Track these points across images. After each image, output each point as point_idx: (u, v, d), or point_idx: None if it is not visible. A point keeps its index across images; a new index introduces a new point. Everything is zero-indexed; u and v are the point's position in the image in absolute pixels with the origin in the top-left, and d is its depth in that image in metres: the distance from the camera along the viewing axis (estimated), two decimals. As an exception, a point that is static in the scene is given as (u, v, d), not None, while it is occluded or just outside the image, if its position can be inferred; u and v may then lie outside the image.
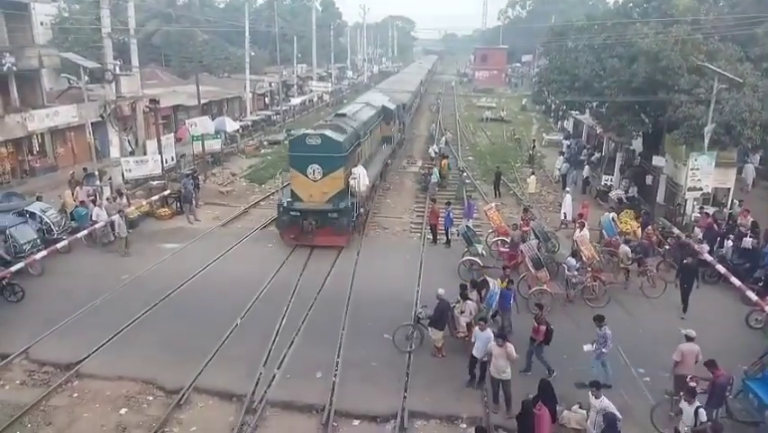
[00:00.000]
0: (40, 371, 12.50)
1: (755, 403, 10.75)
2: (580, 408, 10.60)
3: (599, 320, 11.96)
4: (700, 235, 18.53)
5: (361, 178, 19.38)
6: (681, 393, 10.23)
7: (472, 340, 11.96)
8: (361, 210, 20.68)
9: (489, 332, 11.53)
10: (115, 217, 19.16)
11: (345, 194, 19.01)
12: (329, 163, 18.74)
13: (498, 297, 13.33)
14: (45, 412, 11.16)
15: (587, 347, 12.02)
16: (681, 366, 11.30)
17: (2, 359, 12.74)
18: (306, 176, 18.92)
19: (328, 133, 19.21)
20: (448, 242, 20.12)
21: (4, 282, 15.43)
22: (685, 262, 15.42)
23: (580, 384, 11.79)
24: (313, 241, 18.81)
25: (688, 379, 10.95)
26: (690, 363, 11.24)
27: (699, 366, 11.12)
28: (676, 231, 19.88)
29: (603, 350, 11.84)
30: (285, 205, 18.97)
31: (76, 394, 11.71)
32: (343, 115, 23.18)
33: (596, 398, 9.67)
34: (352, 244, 19.66)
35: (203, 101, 37.24)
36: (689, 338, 11.44)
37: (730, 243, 17.73)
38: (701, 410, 9.22)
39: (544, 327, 12.12)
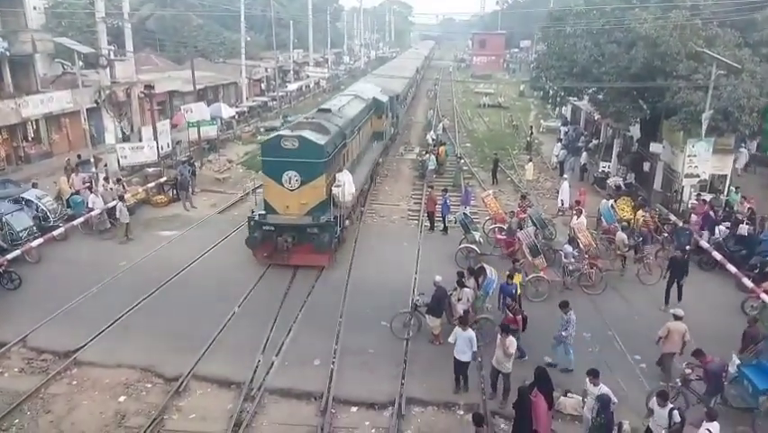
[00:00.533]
0: (38, 358, 12.51)
1: (750, 390, 10.85)
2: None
3: (564, 306, 12.09)
4: (698, 223, 18.53)
5: (347, 185, 17.24)
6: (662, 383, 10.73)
7: (451, 340, 11.44)
8: (347, 223, 18.35)
9: (470, 332, 11.22)
10: (117, 204, 19.17)
11: (327, 205, 16.61)
12: (308, 170, 16.24)
13: (494, 284, 13.39)
14: (44, 400, 11.18)
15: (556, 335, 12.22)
16: (667, 344, 11.84)
17: (0, 347, 12.74)
18: (282, 185, 16.38)
19: (307, 134, 16.52)
20: (445, 229, 20.13)
21: (0, 270, 15.38)
22: (674, 255, 15.35)
23: (550, 364, 11.94)
24: (289, 260, 16.50)
25: (683, 366, 11.12)
26: (676, 340, 11.70)
27: (687, 346, 11.55)
28: (673, 218, 19.94)
29: (563, 333, 11.99)
30: (257, 218, 16.54)
31: (74, 382, 11.73)
32: (327, 110, 20.21)
33: (594, 385, 9.74)
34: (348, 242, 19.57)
35: (198, 87, 36.99)
36: (677, 317, 11.86)
37: (723, 227, 17.79)
38: (675, 412, 9.12)
39: (520, 317, 12.20)
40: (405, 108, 40.48)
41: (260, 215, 16.61)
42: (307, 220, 16.41)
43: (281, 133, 17.11)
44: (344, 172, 17.81)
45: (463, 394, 11.48)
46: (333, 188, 16.91)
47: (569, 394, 11.12)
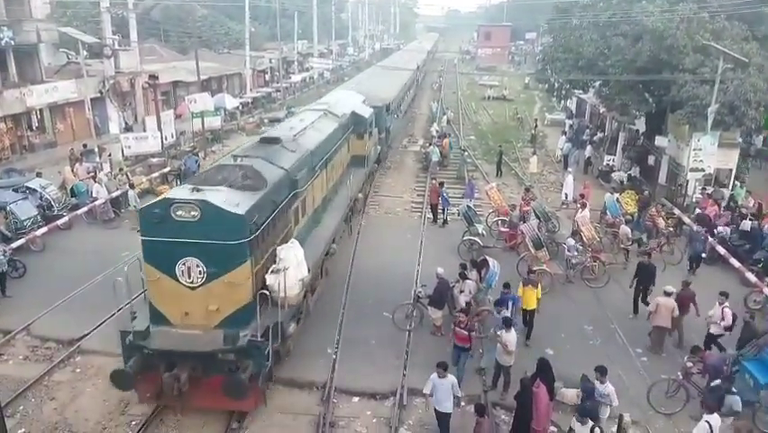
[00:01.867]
0: (42, 346, 12.61)
1: (751, 383, 10.85)
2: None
3: (499, 304, 11.88)
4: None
5: (292, 270, 10.55)
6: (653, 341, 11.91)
7: (426, 391, 9.66)
8: (291, 328, 11.02)
9: (450, 378, 9.63)
10: (129, 192, 19.43)
11: (252, 310, 9.83)
12: (219, 256, 9.64)
13: (497, 277, 13.37)
14: (48, 387, 11.28)
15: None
16: (656, 318, 12.50)
17: (5, 335, 12.85)
18: (177, 280, 9.87)
19: (216, 198, 9.69)
20: (445, 221, 20.13)
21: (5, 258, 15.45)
22: (641, 261, 14.62)
23: (479, 369, 11.78)
24: (187, 403, 10.00)
25: (685, 359, 11.13)
26: (664, 314, 12.37)
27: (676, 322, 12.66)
28: (677, 212, 19.89)
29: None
30: (132, 338, 9.78)
31: (78, 370, 11.84)
32: (275, 141, 13.27)
33: (601, 384, 9.76)
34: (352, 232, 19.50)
35: (202, 77, 36.96)
36: (666, 293, 12.51)
37: (724, 223, 17.72)
38: (597, 430, 8.80)
39: (474, 334, 11.47)
40: (400, 117, 32.35)
41: (139, 333, 9.77)
42: (218, 340, 9.54)
43: (171, 196, 9.97)
44: (292, 244, 11.26)
45: (466, 383, 11.11)
46: (266, 276, 10.38)
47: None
